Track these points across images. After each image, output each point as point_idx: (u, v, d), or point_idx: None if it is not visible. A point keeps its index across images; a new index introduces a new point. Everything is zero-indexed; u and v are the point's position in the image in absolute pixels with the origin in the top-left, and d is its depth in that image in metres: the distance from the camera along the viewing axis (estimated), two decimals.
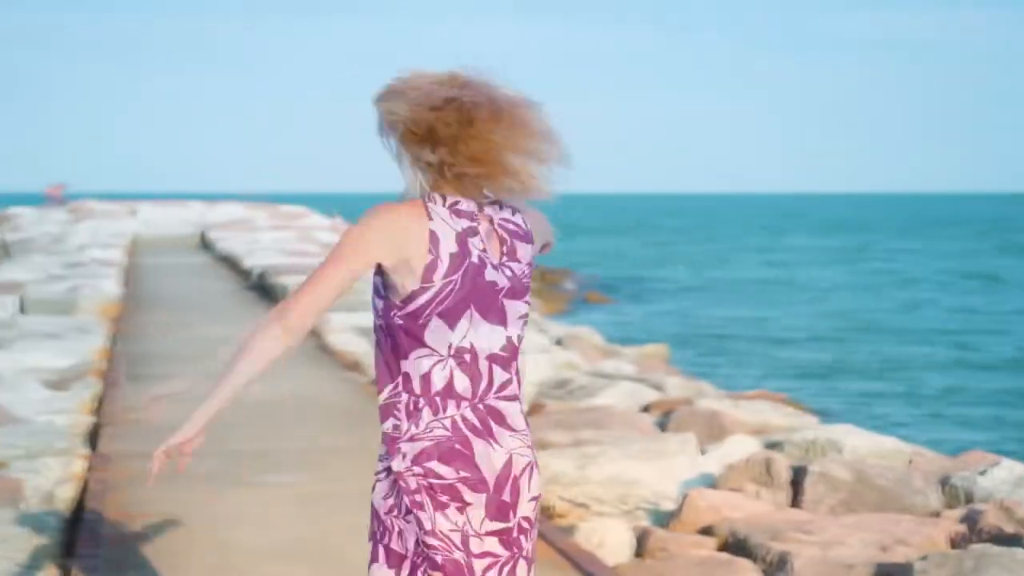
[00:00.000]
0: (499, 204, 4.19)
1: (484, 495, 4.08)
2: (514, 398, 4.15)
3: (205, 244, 43.11)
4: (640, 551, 8.60)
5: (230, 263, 33.47)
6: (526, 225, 4.25)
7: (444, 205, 4.08)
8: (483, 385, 4.08)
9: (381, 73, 4.07)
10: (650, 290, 50.77)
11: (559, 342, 19.54)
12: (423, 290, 4.01)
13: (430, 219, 4.04)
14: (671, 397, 13.93)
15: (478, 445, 4.08)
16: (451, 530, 4.03)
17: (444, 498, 4.03)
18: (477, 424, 4.08)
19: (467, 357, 4.05)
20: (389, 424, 4.11)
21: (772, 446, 11.00)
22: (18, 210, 58.03)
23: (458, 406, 4.06)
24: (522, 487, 4.16)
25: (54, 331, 19.08)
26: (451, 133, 3.95)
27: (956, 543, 8.36)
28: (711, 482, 9.96)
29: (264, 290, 25.75)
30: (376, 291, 4.14)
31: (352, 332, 19.95)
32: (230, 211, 56.75)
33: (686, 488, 9.75)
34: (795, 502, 9.52)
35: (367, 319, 21.75)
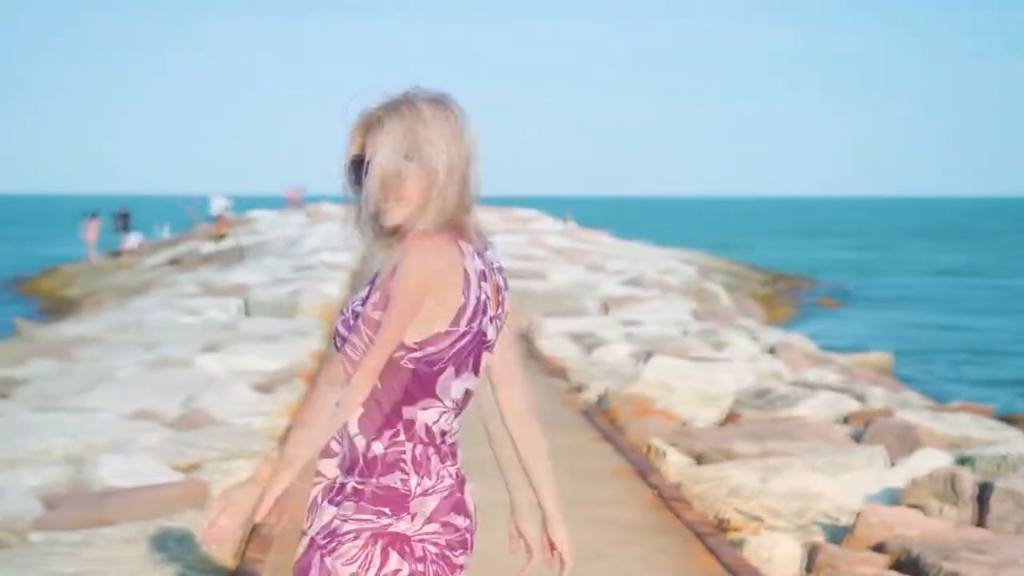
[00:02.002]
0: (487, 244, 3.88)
1: (470, 538, 3.86)
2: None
3: None
4: (810, 567, 8.48)
5: None
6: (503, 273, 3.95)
7: (468, 241, 3.78)
8: (456, 432, 3.83)
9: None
10: (885, 297, 49.81)
11: (771, 350, 19.34)
12: (448, 334, 3.69)
13: (463, 255, 3.73)
14: (870, 408, 13.70)
15: (466, 489, 3.82)
16: None
17: (457, 554, 3.76)
18: (458, 468, 3.82)
19: (456, 408, 3.78)
20: (395, 479, 3.68)
21: (963, 461, 10.73)
22: (258, 213, 59.49)
23: (452, 453, 3.79)
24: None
25: (273, 333, 19.56)
26: None
27: None
28: (897, 497, 9.77)
29: None
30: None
31: (565, 338, 20.04)
32: None
33: (869, 503, 9.59)
34: (980, 520, 9.28)
35: (579, 325, 21.83)
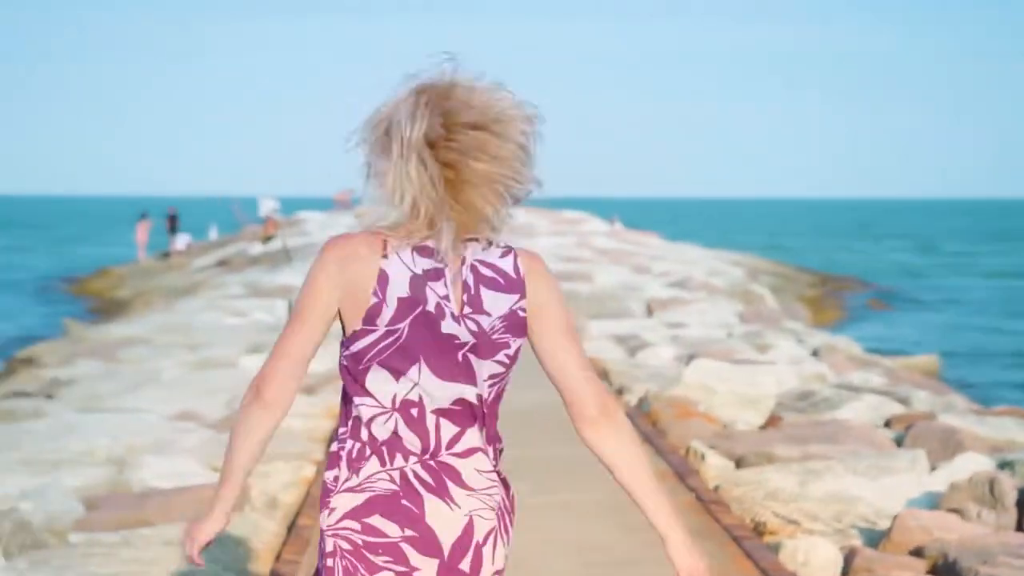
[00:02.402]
0: (489, 242, 3.70)
1: (437, 561, 3.59)
2: (470, 453, 3.64)
3: None
4: (847, 571, 8.44)
5: None
6: (517, 271, 3.72)
7: (408, 240, 3.61)
8: (432, 441, 3.60)
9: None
10: (937, 299, 49.52)
11: (816, 352, 19.27)
12: (364, 333, 3.59)
13: (384, 256, 3.59)
14: (913, 411, 13.63)
15: (431, 503, 3.58)
16: None
17: (382, 559, 3.57)
18: (430, 481, 3.59)
19: (414, 412, 3.59)
20: (329, 475, 3.66)
21: (1005, 465, 10.67)
22: (307, 215, 59.67)
23: (406, 459, 3.59)
24: (485, 557, 3.63)
25: None
26: None
27: None
28: (937, 501, 9.72)
29: None
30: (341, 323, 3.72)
31: (609, 340, 20.01)
32: None
33: (909, 507, 9.54)
34: (1020, 525, 9.22)
35: (623, 327, 21.81)
